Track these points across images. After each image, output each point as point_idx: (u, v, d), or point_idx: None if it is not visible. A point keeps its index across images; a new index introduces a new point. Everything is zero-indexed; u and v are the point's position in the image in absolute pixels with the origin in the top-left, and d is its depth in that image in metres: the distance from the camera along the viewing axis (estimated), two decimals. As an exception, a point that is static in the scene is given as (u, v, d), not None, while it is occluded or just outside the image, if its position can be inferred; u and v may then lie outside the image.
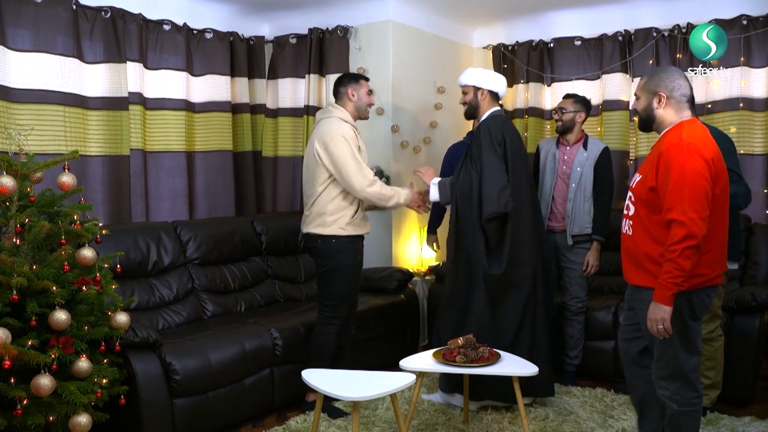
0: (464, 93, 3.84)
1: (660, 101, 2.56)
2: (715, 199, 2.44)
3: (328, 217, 3.55)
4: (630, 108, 4.86)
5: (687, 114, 2.56)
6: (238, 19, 5.11)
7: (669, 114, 2.57)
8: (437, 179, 3.77)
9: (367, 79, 3.78)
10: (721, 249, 2.56)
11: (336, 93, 3.73)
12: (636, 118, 3.52)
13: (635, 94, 2.73)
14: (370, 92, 3.76)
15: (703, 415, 3.54)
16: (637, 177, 2.62)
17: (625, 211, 2.68)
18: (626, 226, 2.65)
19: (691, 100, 2.57)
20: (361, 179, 3.48)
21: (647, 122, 2.64)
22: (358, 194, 3.52)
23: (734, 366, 3.74)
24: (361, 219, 3.65)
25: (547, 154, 4.18)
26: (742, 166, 4.56)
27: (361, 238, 3.70)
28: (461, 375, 3.53)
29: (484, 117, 3.80)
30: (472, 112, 3.85)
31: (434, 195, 3.74)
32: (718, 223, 2.49)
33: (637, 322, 2.68)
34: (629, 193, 2.67)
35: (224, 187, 4.90)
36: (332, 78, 4.94)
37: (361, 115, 3.74)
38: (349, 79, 3.73)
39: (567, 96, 4.16)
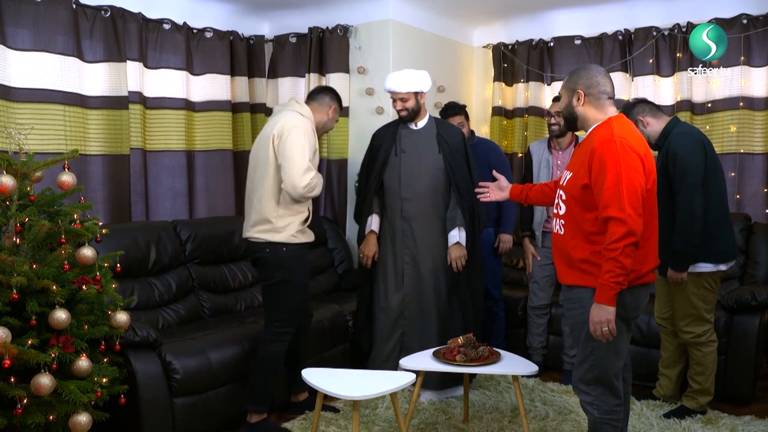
0: (403, 100, 3.78)
1: (579, 99, 2.54)
2: (646, 194, 2.43)
3: (278, 221, 3.28)
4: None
5: (612, 110, 2.53)
6: (238, 18, 5.11)
7: (590, 111, 2.54)
8: (461, 232, 3.81)
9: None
10: (651, 244, 2.53)
11: (316, 96, 3.53)
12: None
13: (558, 94, 2.74)
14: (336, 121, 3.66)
15: (693, 414, 3.53)
16: (567, 175, 2.57)
17: (556, 210, 2.62)
18: (557, 226, 2.60)
19: (612, 97, 2.55)
20: (298, 179, 3.17)
21: (570, 121, 2.62)
22: (292, 192, 3.21)
23: (734, 365, 3.75)
24: (308, 226, 3.43)
25: (541, 160, 4.17)
26: (742, 165, 4.58)
27: (309, 246, 3.47)
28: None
29: (426, 120, 3.89)
30: (412, 117, 3.84)
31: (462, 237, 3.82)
32: (649, 218, 2.47)
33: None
34: (559, 192, 2.61)
35: (224, 187, 4.90)
36: (333, 77, 4.95)
37: (320, 132, 3.54)
38: (337, 98, 3.58)
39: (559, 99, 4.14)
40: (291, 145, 3.21)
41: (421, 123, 3.88)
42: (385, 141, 3.93)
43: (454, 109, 4.35)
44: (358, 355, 4.08)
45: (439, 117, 4.06)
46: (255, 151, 3.40)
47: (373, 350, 3.95)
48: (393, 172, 3.87)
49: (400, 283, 3.87)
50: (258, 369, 3.38)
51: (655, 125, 3.45)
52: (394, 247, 3.88)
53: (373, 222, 3.91)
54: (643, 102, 3.56)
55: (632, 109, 3.51)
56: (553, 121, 4.09)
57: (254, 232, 3.32)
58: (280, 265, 3.30)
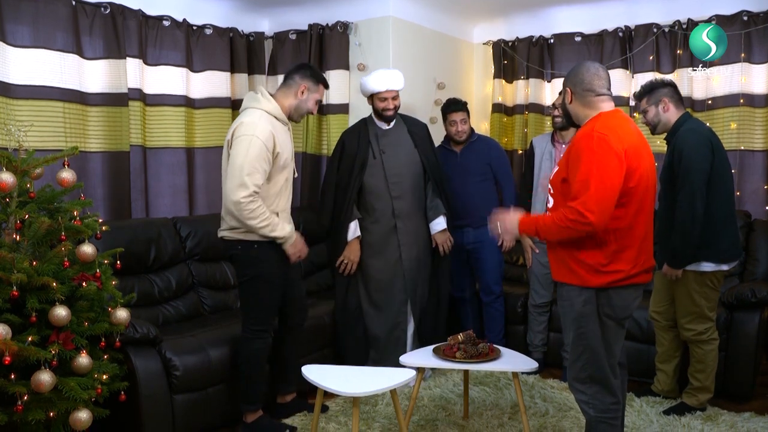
0: (395, 98, 3.91)
1: (567, 96, 2.57)
2: (630, 192, 2.38)
3: (245, 224, 3.14)
4: (630, 104, 4.86)
5: (605, 106, 2.50)
6: (238, 14, 5.10)
7: (577, 108, 2.54)
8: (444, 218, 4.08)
9: (327, 87, 3.47)
10: (642, 245, 2.47)
11: (286, 79, 3.33)
12: (636, 114, 3.55)
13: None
14: (318, 103, 3.40)
15: (693, 411, 3.53)
16: (556, 169, 2.60)
17: (548, 205, 2.64)
18: None
19: (602, 94, 2.50)
20: (231, 193, 3.02)
21: (568, 117, 2.65)
22: (225, 202, 3.10)
23: (734, 362, 3.75)
24: (283, 222, 3.27)
25: (543, 153, 4.16)
26: (742, 162, 4.56)
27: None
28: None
29: (395, 118, 4.02)
30: (395, 115, 3.98)
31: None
32: (638, 217, 2.42)
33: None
34: (549, 186, 2.64)
35: (224, 183, 4.89)
36: (332, 74, 4.94)
37: (295, 117, 3.34)
38: (310, 75, 3.33)
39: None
40: (233, 154, 3.06)
41: (392, 122, 3.99)
42: (360, 144, 3.94)
43: (457, 105, 4.36)
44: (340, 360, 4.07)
45: (405, 114, 4.24)
46: (224, 152, 3.27)
47: (374, 352, 4.01)
48: (376, 174, 3.91)
49: (400, 281, 3.94)
50: (242, 369, 3.33)
51: (672, 114, 3.41)
52: (389, 247, 3.93)
53: (357, 228, 3.93)
54: (672, 86, 3.48)
55: (661, 87, 3.45)
56: (556, 113, 4.07)
57: (226, 231, 3.25)
58: (251, 262, 3.22)
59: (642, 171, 2.42)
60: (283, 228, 3.20)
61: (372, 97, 3.93)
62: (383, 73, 3.89)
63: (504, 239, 2.52)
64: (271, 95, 3.29)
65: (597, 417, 2.50)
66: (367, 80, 3.90)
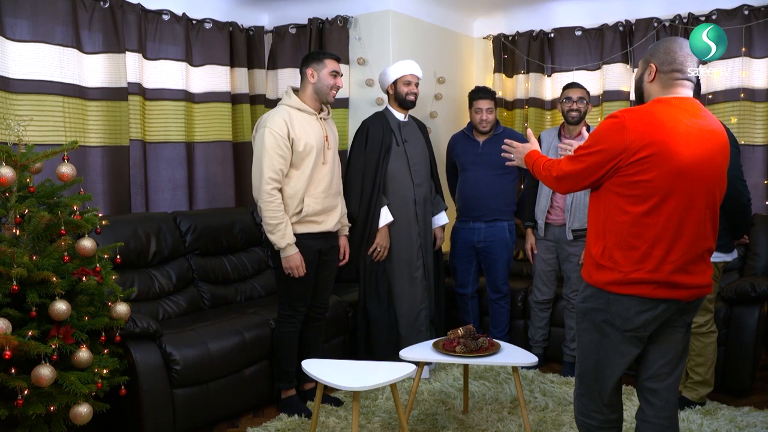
0: (417, 84, 4.06)
1: (650, 74, 2.23)
2: (642, 186, 2.08)
3: None
4: (630, 99, 4.85)
5: (683, 91, 2.20)
6: (238, 8, 5.09)
7: (655, 90, 2.22)
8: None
9: (337, 59, 3.51)
10: (654, 250, 2.09)
11: (300, 75, 3.53)
12: None
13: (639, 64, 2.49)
14: (336, 74, 3.44)
15: (692, 405, 3.54)
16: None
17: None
18: None
19: (689, 78, 2.22)
20: (257, 183, 3.29)
21: (638, 96, 2.32)
22: (255, 197, 3.36)
23: (733, 356, 3.76)
24: (315, 215, 3.43)
25: (549, 147, 4.14)
26: (742, 157, 4.54)
27: (319, 235, 3.48)
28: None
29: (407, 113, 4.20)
30: (414, 103, 4.13)
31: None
32: (652, 217, 2.09)
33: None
34: None
35: (224, 178, 4.89)
36: (332, 68, 4.93)
37: (322, 98, 3.45)
38: (310, 59, 3.46)
39: (579, 86, 4.07)
40: (255, 148, 3.35)
41: (409, 112, 4.15)
42: (384, 132, 4.01)
43: (485, 92, 4.35)
44: (368, 347, 4.10)
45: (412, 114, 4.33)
46: None
47: (402, 337, 4.05)
48: (400, 161, 4.01)
49: (422, 270, 4.06)
50: (275, 351, 3.61)
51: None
52: (411, 235, 4.03)
53: (388, 213, 3.98)
54: None
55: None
56: (574, 107, 3.99)
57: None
58: (275, 252, 3.41)
59: (673, 169, 2.06)
60: (282, 238, 3.30)
61: (395, 84, 4.02)
62: (406, 60, 4.07)
63: (511, 159, 2.62)
64: (296, 93, 3.49)
65: (577, 418, 2.43)
66: (390, 67, 4.04)
